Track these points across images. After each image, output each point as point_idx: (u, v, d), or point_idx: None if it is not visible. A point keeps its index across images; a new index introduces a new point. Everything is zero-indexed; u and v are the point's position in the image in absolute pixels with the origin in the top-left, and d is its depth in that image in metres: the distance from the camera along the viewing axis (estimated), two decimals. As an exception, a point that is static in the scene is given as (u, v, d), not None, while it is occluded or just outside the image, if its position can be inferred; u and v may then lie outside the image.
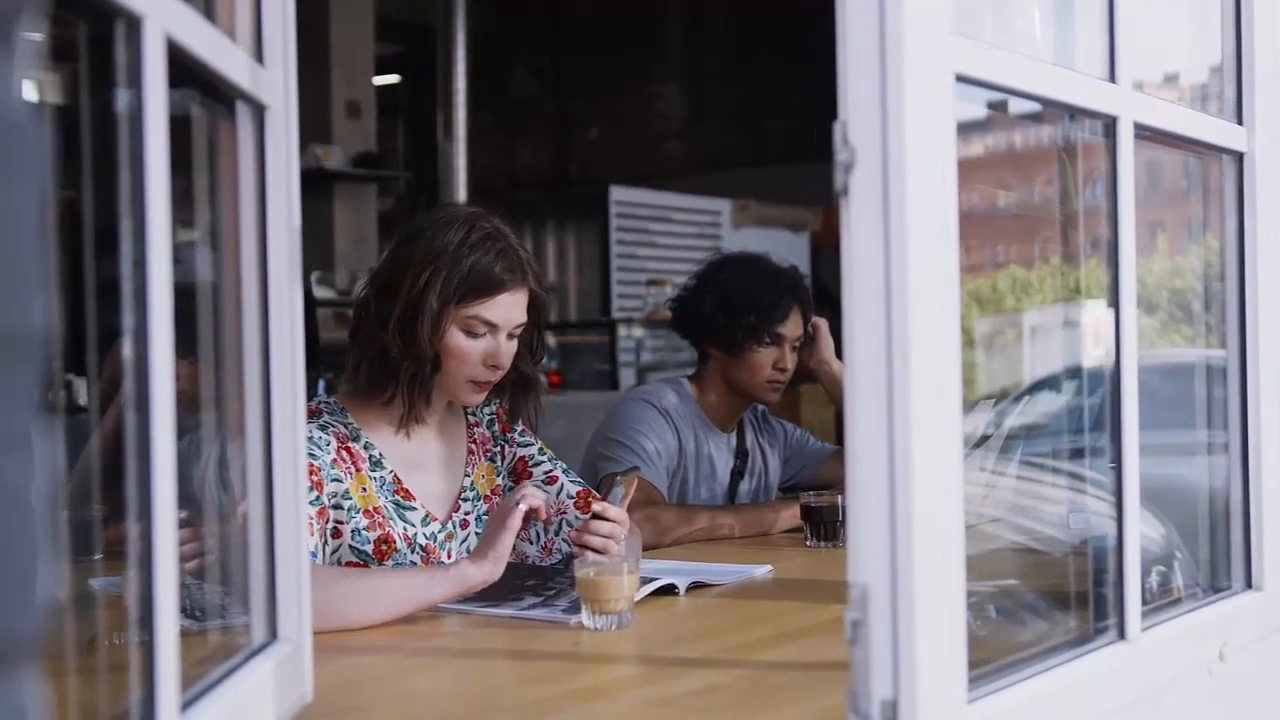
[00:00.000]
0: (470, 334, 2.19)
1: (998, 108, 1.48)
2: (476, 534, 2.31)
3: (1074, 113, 1.55)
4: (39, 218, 0.57)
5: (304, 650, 1.41)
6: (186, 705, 1.08)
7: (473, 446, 2.37)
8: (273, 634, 1.37)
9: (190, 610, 1.28)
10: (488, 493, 2.36)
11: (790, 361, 3.01)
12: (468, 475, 2.35)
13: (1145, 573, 1.58)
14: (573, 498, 2.35)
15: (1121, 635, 1.51)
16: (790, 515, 2.83)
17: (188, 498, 1.08)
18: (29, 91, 0.59)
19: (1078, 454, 1.89)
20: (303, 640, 1.40)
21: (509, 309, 2.20)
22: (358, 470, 2.19)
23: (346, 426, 2.22)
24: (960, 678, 1.22)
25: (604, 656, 1.77)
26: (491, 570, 1.94)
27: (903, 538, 1.16)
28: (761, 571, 2.35)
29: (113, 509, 1.14)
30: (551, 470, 2.39)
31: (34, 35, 0.60)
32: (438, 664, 1.77)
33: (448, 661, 1.77)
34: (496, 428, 2.41)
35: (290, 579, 1.38)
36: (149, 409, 0.99)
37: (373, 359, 2.20)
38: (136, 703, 1.00)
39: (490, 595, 2.02)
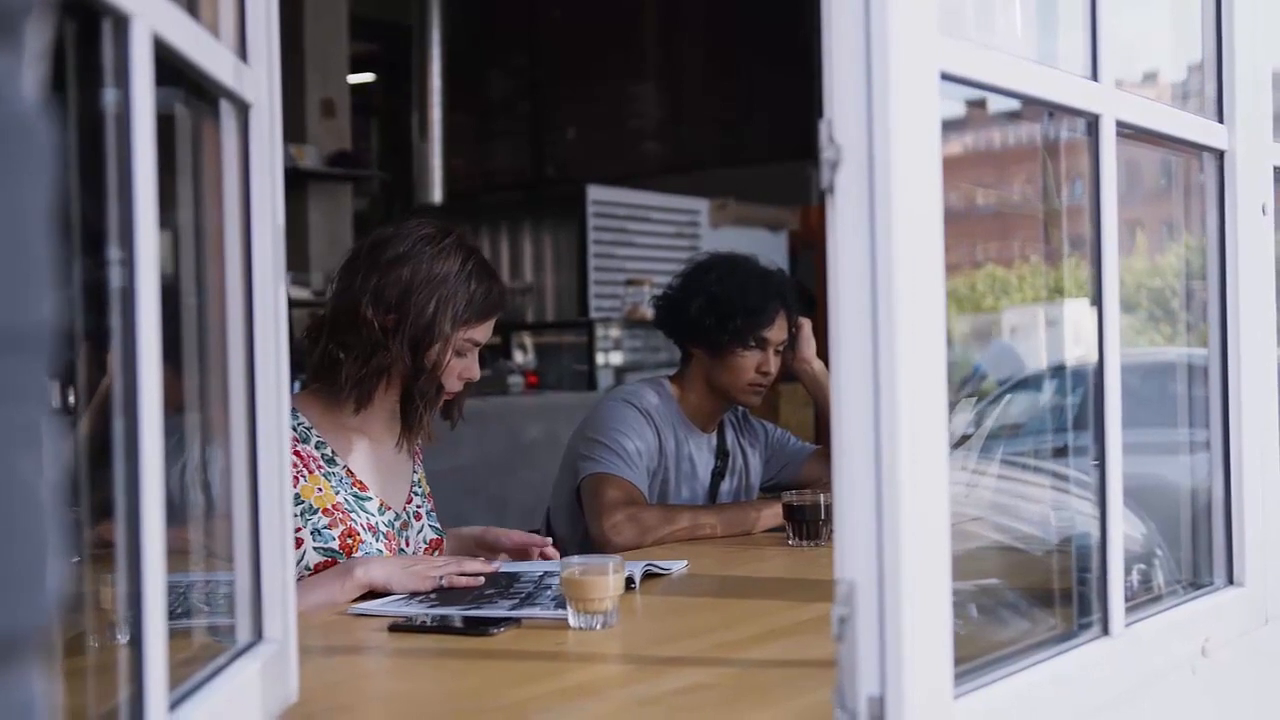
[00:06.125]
0: (459, 354, 2.28)
1: (976, 105, 1.49)
2: (431, 526, 2.42)
3: (1057, 111, 1.55)
4: (47, 215, 0.57)
5: (289, 650, 1.41)
6: (174, 705, 1.08)
7: (417, 448, 2.45)
8: (258, 634, 1.36)
9: (173, 609, 1.27)
10: (428, 491, 2.47)
11: (774, 365, 3.00)
12: (416, 471, 2.44)
13: (1126, 570, 1.59)
14: (426, 543, 2.43)
15: (1105, 631, 1.51)
16: (772, 514, 2.84)
17: (169, 499, 1.07)
18: (36, 89, 0.59)
19: (1059, 452, 1.90)
20: (288, 641, 1.40)
21: (491, 328, 2.33)
22: (310, 471, 2.20)
23: (295, 429, 2.23)
24: (947, 674, 1.22)
25: (589, 656, 1.77)
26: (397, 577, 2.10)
27: (889, 534, 1.16)
28: (678, 567, 2.35)
29: (93, 511, 1.14)
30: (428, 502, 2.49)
31: (42, 32, 0.60)
32: (422, 664, 1.76)
33: (433, 662, 1.77)
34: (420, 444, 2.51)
35: (275, 580, 1.37)
36: (136, 410, 0.99)
37: (379, 374, 2.24)
38: (125, 702, 0.99)
39: (473, 600, 2.02)
